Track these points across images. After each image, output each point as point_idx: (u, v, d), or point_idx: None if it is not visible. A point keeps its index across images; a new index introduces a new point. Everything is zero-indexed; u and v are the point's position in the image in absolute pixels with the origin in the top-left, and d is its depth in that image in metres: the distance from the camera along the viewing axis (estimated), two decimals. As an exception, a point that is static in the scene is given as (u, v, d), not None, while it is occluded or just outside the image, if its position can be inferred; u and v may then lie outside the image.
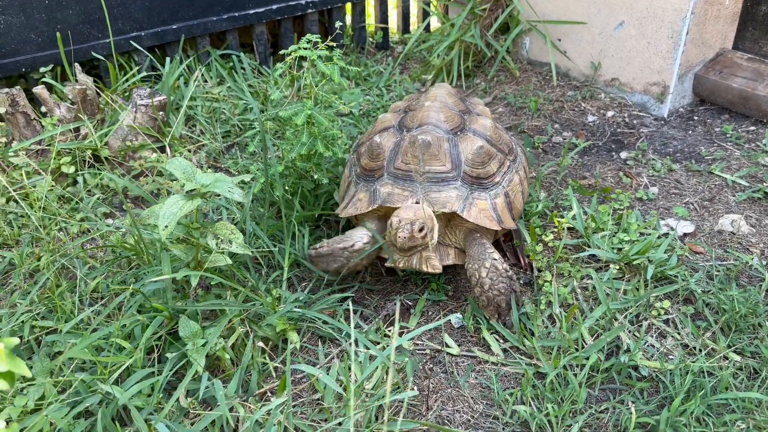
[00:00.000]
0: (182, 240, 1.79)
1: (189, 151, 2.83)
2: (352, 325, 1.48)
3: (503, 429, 1.63)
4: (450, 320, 1.96)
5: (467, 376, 1.77)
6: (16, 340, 0.94)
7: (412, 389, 1.70)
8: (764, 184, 2.50)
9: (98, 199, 2.47)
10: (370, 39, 4.08)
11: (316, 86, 2.14)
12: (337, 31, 3.20)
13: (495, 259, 1.86)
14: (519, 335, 1.86)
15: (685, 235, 2.28)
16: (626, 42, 3.11)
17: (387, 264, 1.97)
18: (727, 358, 1.77)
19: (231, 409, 1.61)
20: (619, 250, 2.14)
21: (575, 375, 1.71)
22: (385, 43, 4.10)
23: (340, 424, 1.54)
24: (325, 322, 1.89)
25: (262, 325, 1.83)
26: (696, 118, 3.07)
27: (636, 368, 1.76)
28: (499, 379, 1.77)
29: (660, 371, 1.73)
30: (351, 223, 2.23)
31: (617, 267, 2.06)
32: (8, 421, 1.50)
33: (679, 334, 1.87)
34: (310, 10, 3.61)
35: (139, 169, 2.62)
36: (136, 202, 2.57)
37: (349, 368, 1.72)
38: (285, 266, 2.06)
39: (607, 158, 2.80)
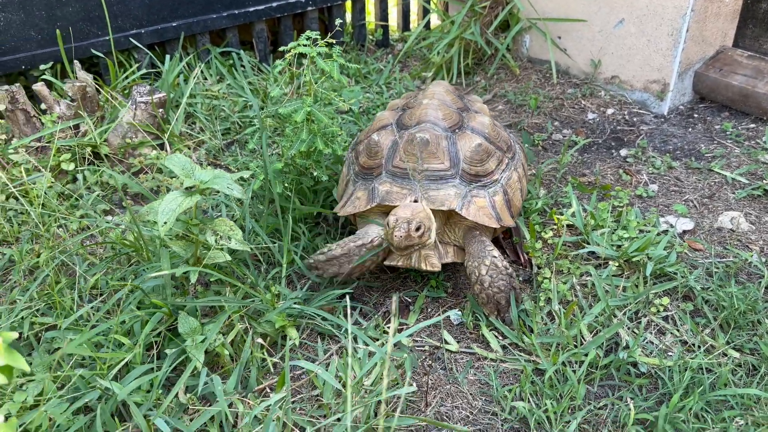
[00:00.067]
0: (181, 236, 1.79)
1: (189, 148, 2.83)
2: (350, 321, 1.48)
3: (502, 425, 1.63)
4: (449, 317, 1.97)
5: (466, 373, 1.78)
6: (14, 334, 0.94)
7: (411, 385, 1.70)
8: (764, 181, 2.50)
9: (98, 196, 2.47)
10: (370, 37, 4.08)
11: (316, 83, 2.14)
12: (337, 27, 3.19)
13: (495, 257, 1.86)
14: (518, 332, 1.86)
15: (684, 232, 2.27)
16: (626, 39, 3.10)
17: (386, 262, 1.97)
18: (726, 355, 1.77)
19: (230, 405, 1.61)
20: (619, 247, 2.14)
21: (574, 371, 1.71)
22: (385, 41, 4.10)
23: (338, 420, 1.54)
24: (324, 319, 1.89)
25: (262, 321, 1.83)
26: (696, 115, 3.07)
27: (635, 365, 1.76)
28: (498, 375, 1.77)
29: (659, 368, 1.73)
30: (350, 221, 2.23)
31: (616, 264, 2.06)
32: (7, 417, 1.50)
33: (678, 330, 1.87)
34: (310, 8, 3.61)
35: (139, 166, 2.62)
36: (136, 199, 2.57)
37: (349, 364, 1.72)
38: (284, 263, 2.06)
39: (606, 156, 2.80)
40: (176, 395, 1.61)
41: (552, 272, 2.07)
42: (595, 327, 1.87)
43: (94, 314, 1.85)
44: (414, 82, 3.58)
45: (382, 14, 4.08)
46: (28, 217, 2.30)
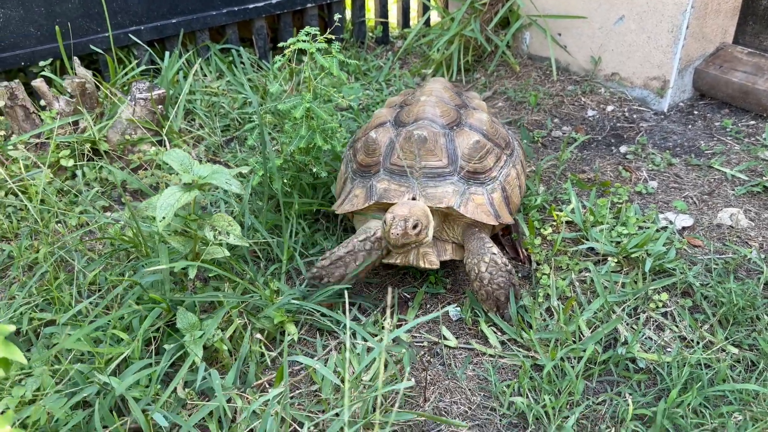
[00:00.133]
0: (180, 232, 1.79)
1: (188, 144, 2.83)
2: (348, 317, 1.48)
3: (500, 420, 1.63)
4: (448, 312, 1.96)
5: (465, 368, 1.78)
6: (12, 327, 0.94)
7: (410, 380, 1.70)
8: (764, 178, 2.50)
9: (97, 192, 2.47)
10: (370, 34, 4.08)
11: (315, 79, 2.14)
12: (336, 23, 3.19)
13: (494, 254, 1.86)
14: (517, 328, 1.86)
15: (683, 228, 2.27)
16: (626, 36, 3.10)
17: (384, 260, 1.96)
18: (725, 351, 1.77)
19: (228, 400, 1.61)
20: (618, 243, 2.14)
21: (573, 367, 1.71)
22: (384, 38, 4.09)
23: (337, 414, 1.54)
24: (323, 315, 1.89)
25: (260, 317, 1.83)
26: (696, 112, 3.07)
27: (633, 360, 1.76)
28: (497, 371, 1.77)
29: (657, 363, 1.73)
30: (348, 219, 2.23)
31: (615, 260, 2.06)
32: (4, 411, 1.50)
33: (676, 326, 1.87)
34: (309, 5, 3.60)
35: (138, 163, 2.62)
36: (135, 195, 2.57)
37: (347, 359, 1.72)
38: (283, 259, 2.06)
39: (606, 152, 2.80)
40: (175, 390, 1.61)
41: (551, 268, 2.07)
42: (594, 323, 1.87)
43: (92, 310, 1.85)
44: (414, 79, 3.58)
45: (382, 11, 4.07)
46: (27, 213, 2.30)
